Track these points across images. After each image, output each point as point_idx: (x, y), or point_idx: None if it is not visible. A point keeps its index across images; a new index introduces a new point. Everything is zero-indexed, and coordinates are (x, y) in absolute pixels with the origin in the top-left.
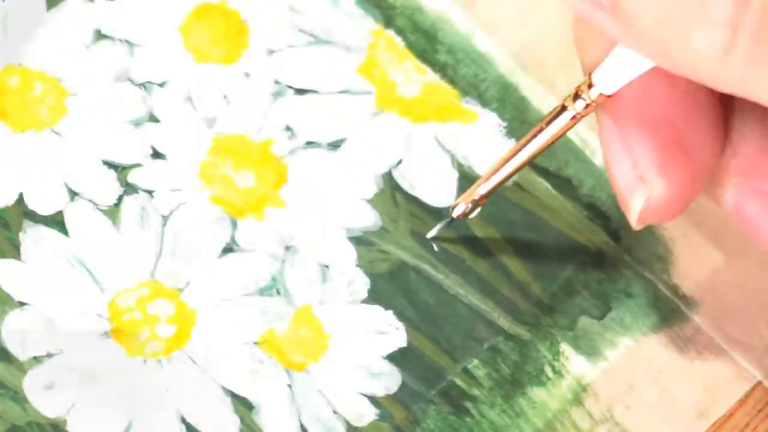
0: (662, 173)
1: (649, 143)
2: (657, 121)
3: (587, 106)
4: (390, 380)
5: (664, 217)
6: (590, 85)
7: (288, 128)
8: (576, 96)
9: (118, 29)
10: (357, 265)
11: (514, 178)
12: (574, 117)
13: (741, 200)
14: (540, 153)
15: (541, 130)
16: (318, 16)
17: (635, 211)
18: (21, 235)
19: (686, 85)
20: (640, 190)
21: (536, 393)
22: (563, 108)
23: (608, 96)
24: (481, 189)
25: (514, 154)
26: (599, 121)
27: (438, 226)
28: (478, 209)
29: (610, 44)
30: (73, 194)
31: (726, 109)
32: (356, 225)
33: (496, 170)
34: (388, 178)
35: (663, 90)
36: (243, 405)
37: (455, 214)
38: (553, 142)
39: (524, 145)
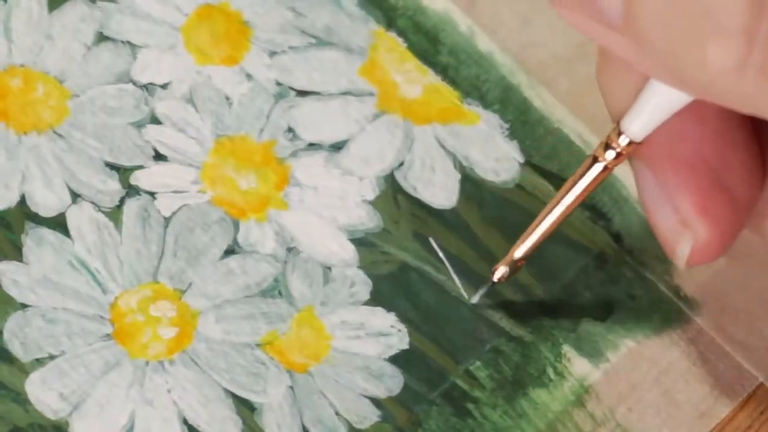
0: (705, 217)
1: (687, 187)
2: (692, 163)
3: (618, 155)
4: (392, 382)
5: (713, 258)
6: (620, 133)
7: (290, 130)
8: (606, 146)
9: (119, 30)
10: (359, 267)
11: (517, 181)
12: (605, 168)
13: None
14: (574, 208)
15: (573, 184)
16: (320, 18)
17: (683, 256)
18: (23, 236)
19: (717, 124)
20: (685, 236)
21: (538, 394)
22: (594, 159)
23: (639, 143)
24: (519, 251)
25: (549, 212)
26: (633, 168)
27: (480, 292)
28: (517, 271)
29: (636, 89)
30: (75, 196)
31: (762, 141)
32: (358, 226)
33: (533, 230)
34: (390, 179)
35: (694, 132)
36: (245, 406)
37: (496, 278)
38: (587, 196)
39: (558, 201)
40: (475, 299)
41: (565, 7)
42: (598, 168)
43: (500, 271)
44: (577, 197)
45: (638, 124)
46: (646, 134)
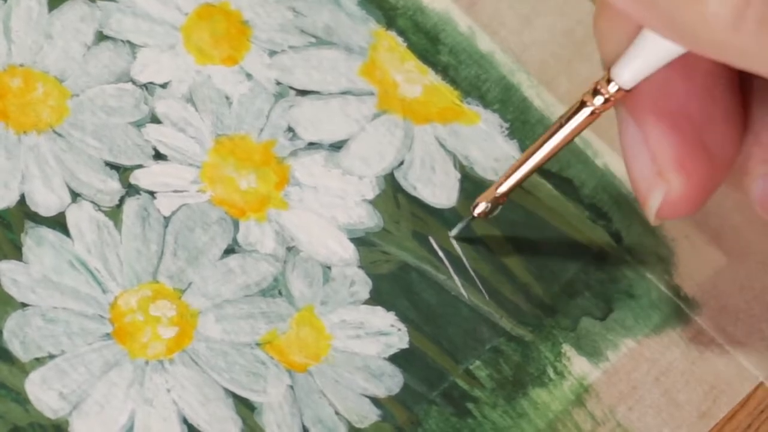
0: (681, 169)
1: (667, 138)
2: (676, 116)
3: (606, 101)
4: (392, 381)
5: (683, 213)
6: (609, 81)
7: (290, 129)
8: (595, 91)
9: (119, 30)
10: (359, 266)
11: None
12: (593, 113)
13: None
14: (559, 150)
15: (560, 126)
16: (320, 17)
17: (653, 206)
18: (23, 236)
19: (704, 80)
20: (659, 186)
21: (538, 394)
22: (582, 104)
23: (627, 91)
24: (501, 188)
25: (534, 152)
26: (618, 117)
27: (459, 226)
28: (499, 208)
29: (630, 38)
30: (75, 195)
31: (746, 100)
32: (358, 226)
33: (516, 168)
34: (390, 179)
35: (681, 85)
36: (245, 406)
37: (476, 212)
38: (572, 139)
39: (543, 142)
40: (453, 233)
41: None
42: (585, 112)
43: (481, 206)
44: (563, 140)
45: (628, 72)
46: (635, 83)
